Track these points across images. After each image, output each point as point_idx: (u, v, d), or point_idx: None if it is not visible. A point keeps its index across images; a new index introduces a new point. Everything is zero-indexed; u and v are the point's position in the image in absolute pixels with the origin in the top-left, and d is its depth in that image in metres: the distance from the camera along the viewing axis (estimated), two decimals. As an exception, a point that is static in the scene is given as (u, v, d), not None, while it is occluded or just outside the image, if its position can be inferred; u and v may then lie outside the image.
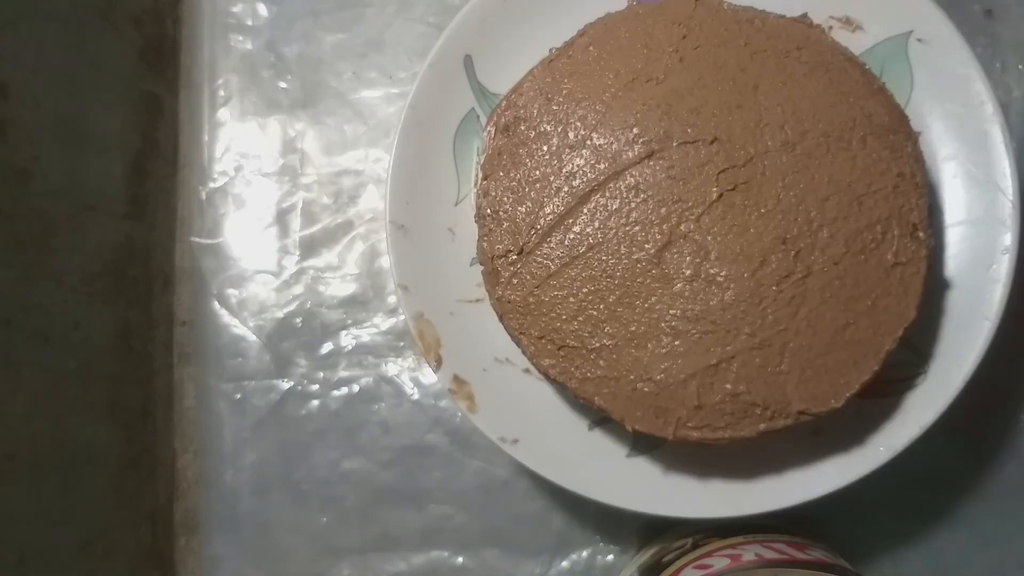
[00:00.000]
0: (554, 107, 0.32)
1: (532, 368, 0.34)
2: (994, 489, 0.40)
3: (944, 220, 0.34)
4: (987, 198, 0.33)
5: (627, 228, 0.31)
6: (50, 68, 0.37)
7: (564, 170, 0.32)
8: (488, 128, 0.33)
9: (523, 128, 0.33)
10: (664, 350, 0.31)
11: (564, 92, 0.33)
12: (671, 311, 0.31)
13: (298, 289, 0.43)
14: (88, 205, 0.39)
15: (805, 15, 0.33)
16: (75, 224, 0.38)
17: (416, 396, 0.42)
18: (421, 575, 0.41)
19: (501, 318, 0.32)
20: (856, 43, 0.34)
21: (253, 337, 0.43)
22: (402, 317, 0.42)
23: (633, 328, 0.31)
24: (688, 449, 0.33)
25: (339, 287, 0.43)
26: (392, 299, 0.43)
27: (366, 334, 0.43)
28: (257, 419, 0.42)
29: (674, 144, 0.31)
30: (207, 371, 0.43)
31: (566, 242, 0.32)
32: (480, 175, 0.33)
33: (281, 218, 0.43)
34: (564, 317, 0.31)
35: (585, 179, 0.32)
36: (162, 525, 0.43)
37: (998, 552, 0.39)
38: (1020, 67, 0.41)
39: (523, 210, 0.32)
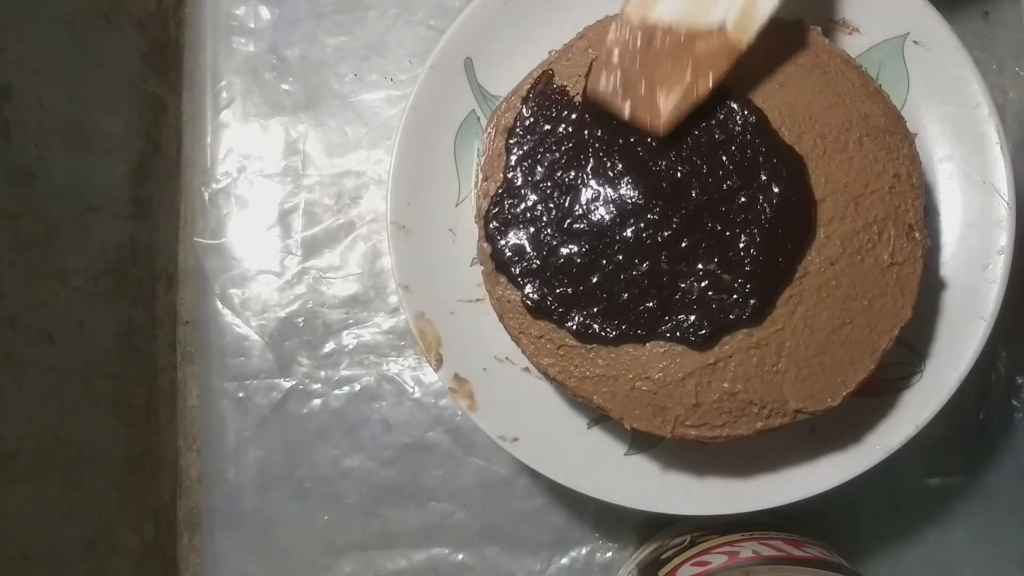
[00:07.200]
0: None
1: (532, 367, 0.34)
2: (989, 487, 0.40)
3: (940, 221, 0.34)
4: (983, 199, 0.33)
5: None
6: (54, 70, 0.37)
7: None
8: (488, 129, 0.33)
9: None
10: (662, 349, 0.31)
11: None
12: (669, 311, 0.31)
13: (300, 289, 0.43)
14: (92, 206, 0.40)
15: (802, 18, 0.33)
16: (79, 224, 0.39)
17: (417, 395, 0.42)
18: (422, 572, 0.41)
19: (501, 318, 0.33)
20: (853, 45, 0.34)
21: (256, 336, 0.43)
22: (403, 316, 0.42)
23: (632, 327, 0.31)
24: (686, 447, 0.33)
25: (341, 287, 0.43)
26: (393, 299, 0.43)
27: (367, 333, 0.43)
28: (259, 418, 0.43)
29: (672, 145, 0.31)
30: (210, 370, 0.43)
31: (565, 242, 0.32)
32: (480, 176, 0.33)
33: (283, 219, 0.44)
34: (563, 316, 0.32)
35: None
36: (165, 523, 0.43)
37: (993, 550, 0.40)
38: (1016, 69, 0.41)
39: (523, 211, 0.32)
